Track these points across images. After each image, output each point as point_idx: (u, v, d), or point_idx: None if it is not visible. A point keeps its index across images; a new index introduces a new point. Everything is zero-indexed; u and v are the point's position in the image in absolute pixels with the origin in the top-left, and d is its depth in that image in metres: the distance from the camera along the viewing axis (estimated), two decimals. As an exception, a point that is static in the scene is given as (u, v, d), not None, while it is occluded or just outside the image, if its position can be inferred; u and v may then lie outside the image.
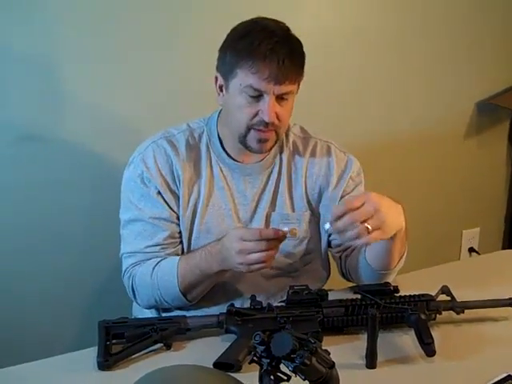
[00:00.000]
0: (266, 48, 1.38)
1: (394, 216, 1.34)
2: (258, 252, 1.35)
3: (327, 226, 1.31)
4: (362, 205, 1.28)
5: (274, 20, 1.46)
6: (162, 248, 1.52)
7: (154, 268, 1.49)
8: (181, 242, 1.55)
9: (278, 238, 1.36)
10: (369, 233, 1.28)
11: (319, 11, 2.35)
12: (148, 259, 1.51)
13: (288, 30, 1.45)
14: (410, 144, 2.67)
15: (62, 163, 2.05)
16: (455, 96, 2.72)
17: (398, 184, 2.69)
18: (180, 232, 1.55)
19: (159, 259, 1.50)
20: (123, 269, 1.55)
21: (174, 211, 1.52)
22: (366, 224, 1.28)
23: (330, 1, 2.38)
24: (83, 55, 1.99)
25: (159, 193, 1.51)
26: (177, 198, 1.52)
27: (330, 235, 1.62)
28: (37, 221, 2.06)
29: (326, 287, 1.58)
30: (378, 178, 2.60)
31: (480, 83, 2.76)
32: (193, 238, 1.54)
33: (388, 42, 2.50)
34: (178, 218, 1.53)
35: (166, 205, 1.51)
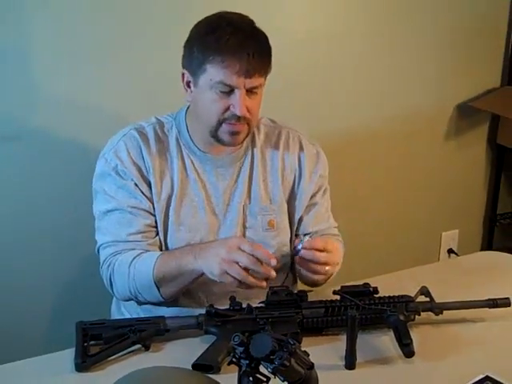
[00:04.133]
0: (235, 43, 1.39)
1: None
2: (240, 269, 1.31)
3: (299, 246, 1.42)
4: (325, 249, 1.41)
5: (238, 14, 1.47)
6: (144, 236, 1.50)
7: (134, 258, 1.46)
8: (158, 233, 1.54)
9: (266, 265, 1.33)
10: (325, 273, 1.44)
11: (297, 11, 2.35)
12: (130, 249, 1.49)
13: (253, 23, 1.46)
14: (389, 145, 2.68)
15: (40, 160, 2.04)
16: (435, 98, 2.74)
17: (378, 185, 2.70)
18: (156, 223, 1.53)
19: (141, 251, 1.48)
20: (102, 260, 1.52)
21: (151, 202, 1.52)
22: (326, 268, 1.42)
23: (309, 1, 2.39)
24: (60, 49, 1.98)
25: (136, 185, 1.50)
26: (150, 187, 1.52)
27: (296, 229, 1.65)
28: (21, 219, 2.05)
29: (305, 288, 1.58)
30: (358, 180, 2.64)
31: (460, 86, 2.78)
32: (168, 230, 1.53)
33: (369, 43, 2.51)
34: (154, 209, 1.53)
35: (143, 196, 1.51)
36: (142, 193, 1.51)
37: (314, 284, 1.55)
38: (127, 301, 1.55)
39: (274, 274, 1.34)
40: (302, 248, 1.40)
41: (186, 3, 2.09)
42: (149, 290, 1.46)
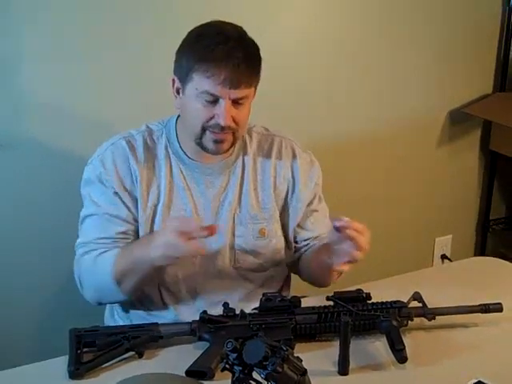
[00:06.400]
0: (222, 52, 1.38)
1: None
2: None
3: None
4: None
5: (230, 23, 1.46)
6: (114, 241, 1.50)
7: (97, 256, 1.48)
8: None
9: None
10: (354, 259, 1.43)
11: (296, 14, 2.36)
12: (97, 249, 1.49)
13: (244, 33, 1.45)
14: (382, 151, 2.69)
15: (38, 162, 2.04)
16: (428, 105, 2.75)
17: (370, 191, 2.70)
18: (135, 231, 1.53)
19: (105, 249, 1.48)
20: (75, 259, 1.54)
21: (131, 212, 1.51)
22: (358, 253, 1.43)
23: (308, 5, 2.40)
24: (53, 55, 1.98)
25: (116, 193, 1.50)
26: (135, 198, 1.51)
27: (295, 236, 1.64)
28: (17, 222, 2.06)
29: (298, 294, 1.59)
30: (350, 186, 2.64)
31: (452, 92, 2.79)
32: None
33: (362, 51, 2.52)
34: (136, 220, 1.52)
35: (123, 205, 1.51)
36: (123, 202, 1.50)
37: (325, 281, 1.57)
38: (100, 304, 1.56)
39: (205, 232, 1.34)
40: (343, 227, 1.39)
41: (185, 6, 2.10)
42: (110, 286, 1.45)
